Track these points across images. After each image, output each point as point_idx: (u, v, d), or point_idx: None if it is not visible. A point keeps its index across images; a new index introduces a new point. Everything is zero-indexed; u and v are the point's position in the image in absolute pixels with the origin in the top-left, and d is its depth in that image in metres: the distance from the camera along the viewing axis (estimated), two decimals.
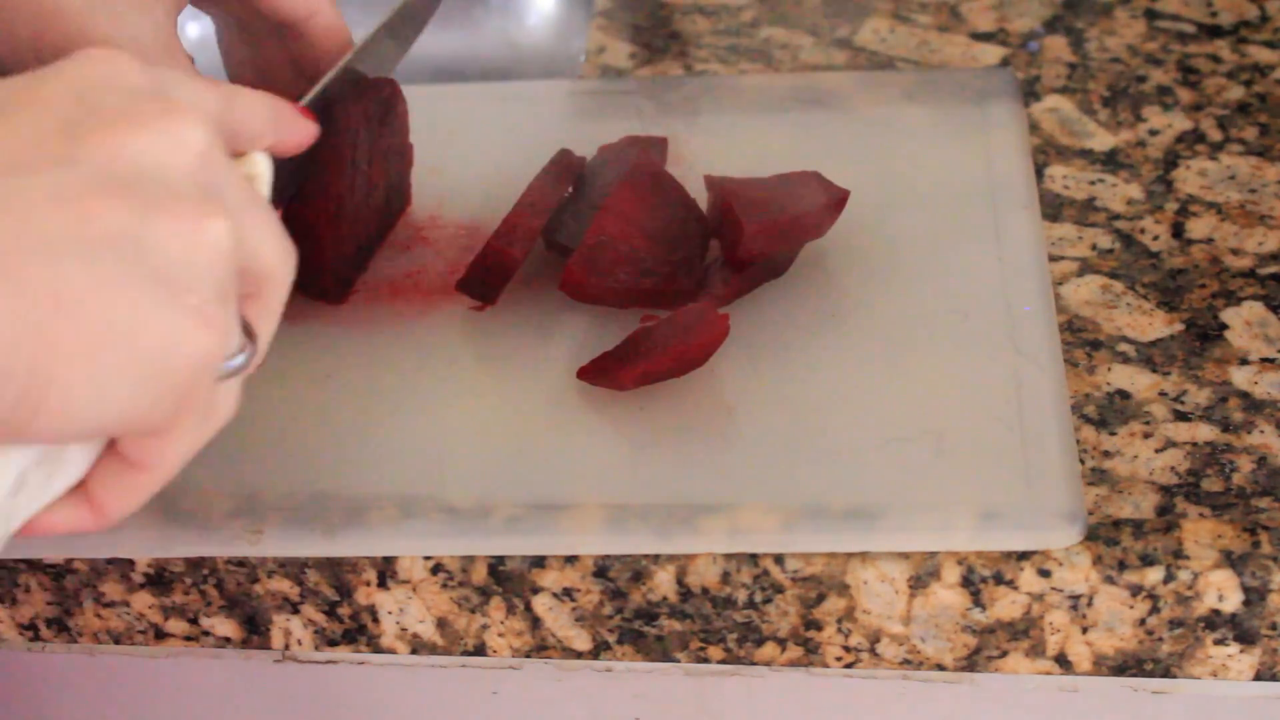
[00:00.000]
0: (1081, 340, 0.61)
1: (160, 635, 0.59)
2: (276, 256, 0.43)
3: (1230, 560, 0.53)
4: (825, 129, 0.71)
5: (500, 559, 0.55)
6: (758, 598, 0.55)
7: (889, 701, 0.60)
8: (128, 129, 0.40)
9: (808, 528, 0.54)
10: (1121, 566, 0.53)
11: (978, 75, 0.73)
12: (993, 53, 0.77)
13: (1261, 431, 0.57)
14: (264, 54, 0.66)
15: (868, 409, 0.57)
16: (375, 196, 0.65)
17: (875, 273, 0.63)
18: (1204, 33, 0.77)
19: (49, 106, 0.40)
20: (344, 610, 0.57)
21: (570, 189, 0.65)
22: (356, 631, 0.58)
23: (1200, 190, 0.68)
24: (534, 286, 0.64)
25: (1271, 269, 0.64)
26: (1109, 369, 0.60)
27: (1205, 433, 0.57)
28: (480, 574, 0.56)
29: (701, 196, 0.64)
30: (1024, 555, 0.53)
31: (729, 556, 0.54)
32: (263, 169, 0.47)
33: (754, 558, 0.54)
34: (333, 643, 0.58)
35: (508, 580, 0.56)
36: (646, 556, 0.55)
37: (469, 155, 0.71)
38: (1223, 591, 0.53)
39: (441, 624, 0.57)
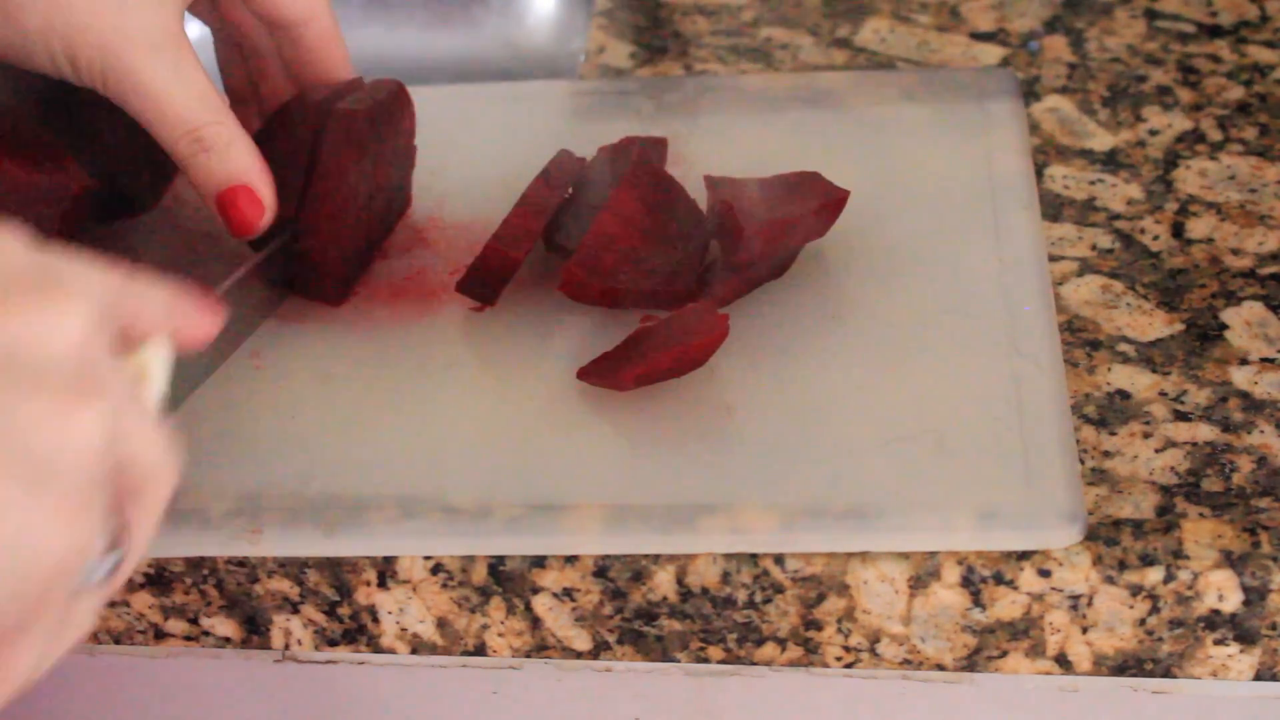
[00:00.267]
0: (1081, 340, 0.61)
1: (160, 635, 0.59)
2: (156, 458, 0.40)
3: (1230, 560, 0.53)
4: (825, 129, 0.71)
5: (500, 559, 0.55)
6: (758, 598, 0.55)
7: (889, 701, 0.60)
8: (2, 311, 0.37)
9: (808, 528, 0.54)
10: (1121, 566, 0.53)
11: (978, 75, 0.73)
12: (993, 53, 0.77)
13: (1261, 431, 0.57)
14: (257, 61, 0.66)
15: (868, 409, 0.57)
16: (378, 199, 0.65)
17: (875, 273, 0.63)
18: (1204, 33, 0.77)
19: None
20: (344, 610, 0.57)
21: (570, 189, 0.65)
22: (356, 631, 0.58)
23: (1200, 190, 0.68)
24: (534, 287, 0.64)
25: (1271, 269, 0.64)
26: (1109, 369, 0.60)
27: (1205, 433, 0.57)
28: (480, 574, 0.56)
29: (701, 196, 0.64)
30: (1024, 555, 0.53)
31: (729, 556, 0.54)
32: (157, 365, 0.44)
33: (754, 558, 0.54)
34: (333, 643, 0.58)
35: (508, 580, 0.56)
36: (646, 556, 0.55)
37: (469, 156, 0.71)
38: (1223, 591, 0.53)
39: (441, 624, 0.57)
